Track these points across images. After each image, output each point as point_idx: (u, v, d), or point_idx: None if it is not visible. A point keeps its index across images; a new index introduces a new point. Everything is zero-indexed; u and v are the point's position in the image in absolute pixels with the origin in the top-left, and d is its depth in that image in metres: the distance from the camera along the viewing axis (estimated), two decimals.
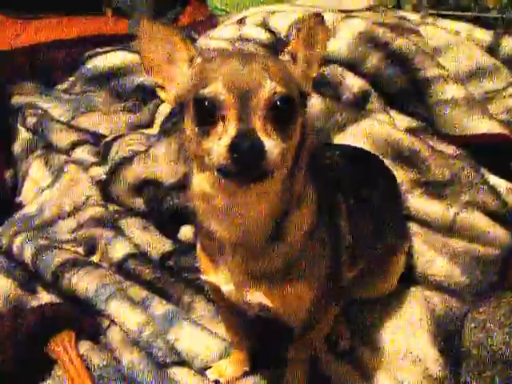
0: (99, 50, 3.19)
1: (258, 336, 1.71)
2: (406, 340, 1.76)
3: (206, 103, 1.04)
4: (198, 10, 4.51)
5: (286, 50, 1.21)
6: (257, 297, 1.32)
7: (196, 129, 1.07)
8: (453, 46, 2.77)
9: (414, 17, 3.04)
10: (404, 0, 3.58)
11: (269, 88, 1.04)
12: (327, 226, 1.34)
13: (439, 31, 2.87)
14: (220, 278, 1.34)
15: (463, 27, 2.94)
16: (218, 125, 1.03)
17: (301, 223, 1.25)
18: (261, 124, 1.01)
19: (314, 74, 1.24)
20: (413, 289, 1.90)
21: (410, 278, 1.93)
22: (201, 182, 1.16)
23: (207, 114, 1.05)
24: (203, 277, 1.42)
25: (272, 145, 0.99)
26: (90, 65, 3.13)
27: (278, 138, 1.04)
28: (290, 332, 1.51)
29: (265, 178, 1.02)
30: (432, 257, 1.93)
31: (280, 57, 1.21)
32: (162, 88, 1.22)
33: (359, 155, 1.82)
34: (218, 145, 0.99)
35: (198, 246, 1.41)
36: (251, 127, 0.99)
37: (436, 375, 1.66)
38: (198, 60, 1.19)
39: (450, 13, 3.27)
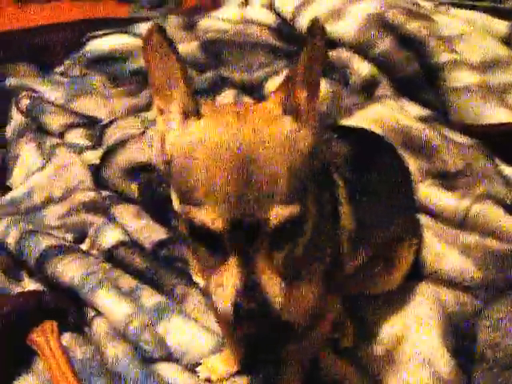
0: (99, 32, 3.17)
1: (253, 333, 1.63)
2: (414, 339, 1.66)
3: (202, 230, 0.90)
4: None
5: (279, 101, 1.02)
6: None
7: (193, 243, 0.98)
8: (467, 35, 2.71)
9: (427, 4, 2.95)
10: None
11: (278, 217, 0.89)
12: (327, 218, 1.25)
13: (453, 20, 2.79)
14: None
15: (478, 17, 2.89)
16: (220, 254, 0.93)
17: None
18: (265, 262, 0.92)
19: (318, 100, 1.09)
20: (422, 284, 1.79)
21: (420, 273, 1.83)
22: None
23: (205, 239, 0.93)
24: (194, 278, 1.32)
25: (277, 291, 0.93)
26: (88, 47, 3.13)
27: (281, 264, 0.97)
28: (287, 330, 1.42)
29: None
30: (443, 250, 1.84)
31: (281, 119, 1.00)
32: (162, 112, 1.03)
33: (366, 136, 1.71)
34: (222, 290, 0.91)
35: (187, 250, 1.30)
36: (256, 279, 0.90)
37: (446, 377, 1.56)
38: (191, 127, 0.97)
39: (466, 2, 3.17)
